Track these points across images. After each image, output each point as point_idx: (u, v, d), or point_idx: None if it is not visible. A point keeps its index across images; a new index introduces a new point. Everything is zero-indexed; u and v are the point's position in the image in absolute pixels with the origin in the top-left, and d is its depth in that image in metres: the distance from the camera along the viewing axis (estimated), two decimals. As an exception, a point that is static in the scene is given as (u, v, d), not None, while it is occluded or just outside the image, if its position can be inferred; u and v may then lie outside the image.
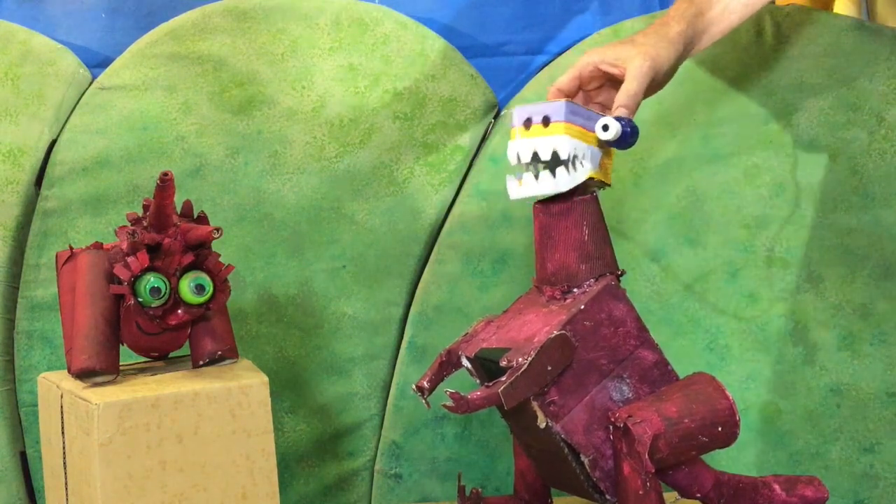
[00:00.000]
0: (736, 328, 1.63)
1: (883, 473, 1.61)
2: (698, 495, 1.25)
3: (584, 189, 1.25)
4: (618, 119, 1.22)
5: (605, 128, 1.21)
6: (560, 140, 1.20)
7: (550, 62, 1.72)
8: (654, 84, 1.30)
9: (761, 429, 1.62)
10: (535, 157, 1.21)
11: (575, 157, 1.21)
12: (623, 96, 1.25)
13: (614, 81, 1.29)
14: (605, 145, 1.24)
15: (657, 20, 1.34)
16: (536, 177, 1.22)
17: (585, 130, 1.22)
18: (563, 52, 1.72)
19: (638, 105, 1.25)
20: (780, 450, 1.62)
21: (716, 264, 1.64)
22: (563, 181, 1.21)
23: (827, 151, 1.63)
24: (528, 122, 1.22)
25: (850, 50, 1.64)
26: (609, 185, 1.27)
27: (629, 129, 1.22)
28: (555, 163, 1.21)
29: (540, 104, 1.22)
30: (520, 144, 1.22)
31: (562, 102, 1.20)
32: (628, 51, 1.27)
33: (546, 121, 1.21)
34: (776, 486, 1.27)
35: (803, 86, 1.64)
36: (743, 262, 1.64)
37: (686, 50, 1.33)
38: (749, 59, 1.66)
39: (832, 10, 1.75)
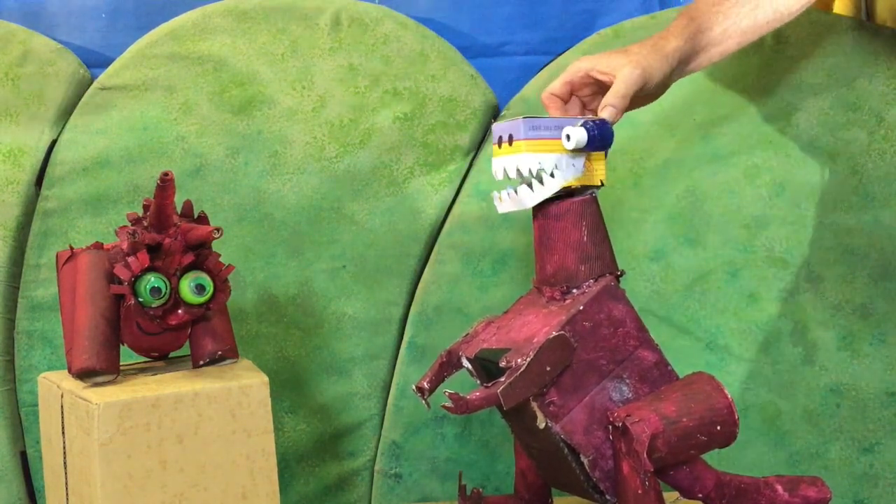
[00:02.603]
0: (736, 328, 1.63)
1: (883, 473, 1.61)
2: (700, 495, 1.25)
3: (582, 190, 1.25)
4: (584, 124, 1.22)
5: (568, 137, 1.22)
6: (521, 158, 1.22)
7: (550, 62, 1.72)
8: (644, 95, 1.31)
9: (761, 429, 1.62)
10: (506, 174, 1.25)
11: (541, 170, 1.22)
12: (610, 96, 1.26)
13: (606, 89, 1.29)
14: (590, 150, 1.24)
15: (656, 34, 1.34)
16: (515, 192, 1.25)
17: (551, 140, 1.23)
18: (563, 52, 1.72)
19: (625, 107, 1.26)
20: (780, 450, 1.62)
21: (716, 264, 1.64)
22: (527, 198, 1.24)
23: (827, 151, 1.63)
24: (500, 141, 1.25)
25: (850, 50, 1.64)
26: (603, 185, 1.27)
27: (595, 133, 1.22)
28: (521, 179, 1.24)
29: (507, 122, 1.24)
30: (496, 162, 1.26)
31: (519, 120, 1.22)
32: (620, 59, 1.28)
33: (511, 139, 1.23)
34: (778, 487, 1.27)
35: (803, 86, 1.64)
36: (743, 262, 1.64)
37: (681, 66, 1.34)
38: (749, 59, 1.66)
39: (832, 10, 1.75)
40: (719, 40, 1.36)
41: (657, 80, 1.29)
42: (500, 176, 1.25)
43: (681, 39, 1.32)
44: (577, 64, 1.30)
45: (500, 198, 1.27)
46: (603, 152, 1.26)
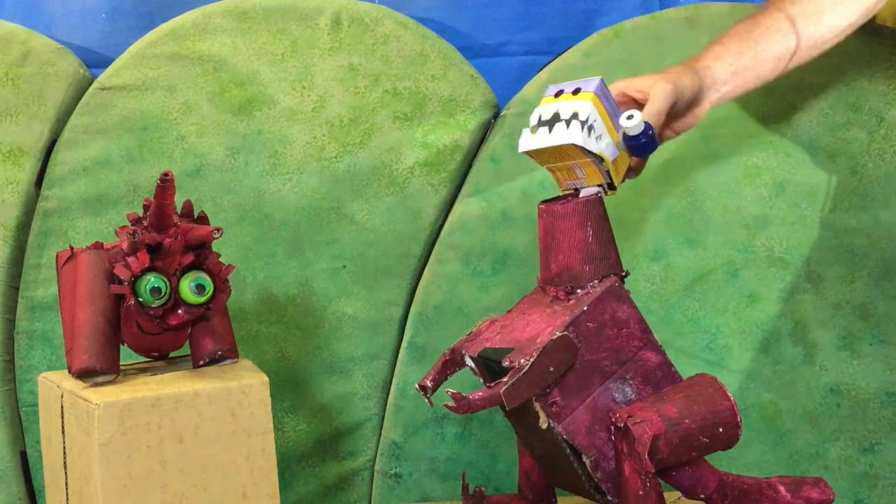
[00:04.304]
0: (736, 328, 1.63)
1: (883, 473, 1.61)
2: (702, 496, 1.25)
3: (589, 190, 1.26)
4: (647, 122, 1.25)
5: (630, 117, 1.23)
6: (583, 104, 1.21)
7: (550, 62, 1.72)
8: (683, 119, 1.35)
9: (761, 429, 1.62)
10: (556, 116, 1.22)
11: (592, 126, 1.21)
12: (646, 113, 1.28)
13: (640, 107, 1.32)
14: (622, 146, 1.25)
15: (691, 58, 1.37)
16: (550, 130, 1.22)
17: (606, 112, 1.23)
18: (563, 52, 1.72)
19: (660, 123, 1.29)
20: (780, 450, 1.62)
21: (716, 264, 1.64)
22: (576, 132, 1.21)
23: (827, 151, 1.63)
24: (559, 93, 1.24)
25: (850, 50, 1.64)
26: (615, 190, 1.27)
27: (651, 132, 1.24)
28: (575, 122, 1.22)
29: (577, 81, 1.24)
30: (544, 108, 1.24)
31: (598, 78, 1.23)
32: (653, 78, 1.32)
33: (577, 91, 1.23)
34: (781, 488, 1.27)
35: (803, 86, 1.64)
36: (743, 262, 1.64)
37: (716, 86, 1.36)
38: (749, 59, 1.66)
39: (859, 25, 1.75)
40: (751, 65, 1.39)
41: (689, 94, 1.32)
42: (547, 116, 1.22)
43: (712, 60, 1.37)
44: (613, 84, 1.33)
45: (533, 134, 1.23)
46: (626, 159, 1.27)
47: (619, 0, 1.75)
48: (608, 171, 1.24)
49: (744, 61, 1.38)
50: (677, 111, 1.33)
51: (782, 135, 1.64)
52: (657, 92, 1.29)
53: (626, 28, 1.69)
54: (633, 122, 1.23)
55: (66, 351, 1.30)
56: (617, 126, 1.24)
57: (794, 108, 1.64)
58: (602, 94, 1.23)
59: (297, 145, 1.68)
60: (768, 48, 1.39)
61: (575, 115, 1.21)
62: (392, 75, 1.70)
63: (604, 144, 1.23)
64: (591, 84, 1.23)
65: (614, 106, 1.25)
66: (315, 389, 1.69)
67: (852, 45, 1.64)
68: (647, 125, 1.24)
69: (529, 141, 1.24)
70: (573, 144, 1.21)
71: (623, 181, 1.30)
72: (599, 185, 1.26)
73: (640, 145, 1.24)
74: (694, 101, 1.34)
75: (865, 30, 1.65)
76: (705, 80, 1.35)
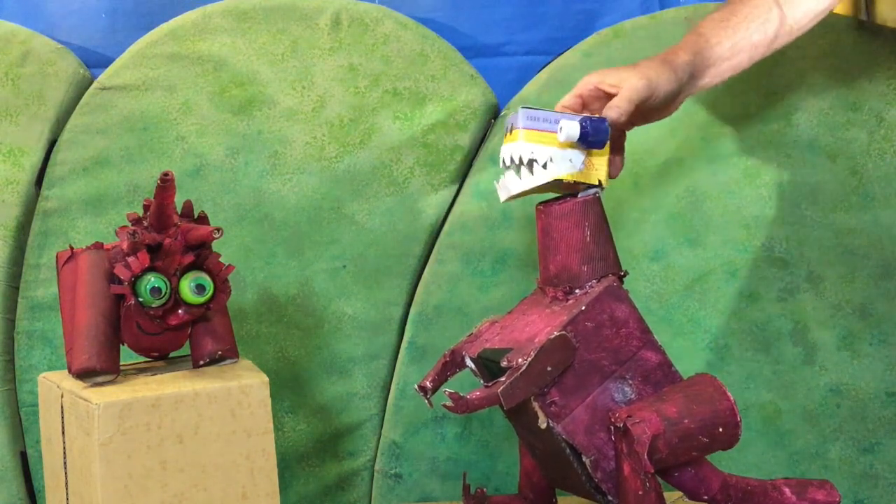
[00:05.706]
0: (736, 328, 1.63)
1: (883, 473, 1.61)
2: (705, 497, 1.25)
3: (585, 190, 1.25)
4: (581, 119, 1.23)
5: (560, 129, 1.23)
6: (516, 146, 1.24)
7: (550, 62, 1.72)
8: (657, 109, 1.32)
9: (761, 429, 1.62)
10: (503, 162, 1.27)
11: (532, 160, 1.23)
12: (615, 99, 1.27)
13: None
14: (584, 146, 1.24)
15: (668, 49, 1.35)
16: (498, 181, 1.28)
17: (548, 133, 1.24)
18: (563, 52, 1.72)
19: (629, 110, 1.26)
20: (780, 450, 1.62)
21: (716, 264, 1.64)
22: (512, 184, 1.26)
23: (827, 151, 1.63)
24: (509, 129, 1.27)
25: (850, 50, 1.64)
26: (602, 186, 1.27)
27: (588, 128, 1.22)
28: (516, 166, 1.25)
29: (515, 114, 1.25)
30: (502, 150, 1.28)
31: (521, 111, 1.24)
32: (628, 72, 1.30)
33: (512, 128, 1.25)
34: (786, 490, 1.26)
35: (803, 86, 1.64)
36: (743, 262, 1.64)
37: (693, 81, 1.34)
38: (749, 59, 1.65)
39: (832, 10, 1.75)
40: (728, 55, 1.37)
41: (664, 92, 1.30)
42: (501, 165, 1.28)
43: (689, 54, 1.34)
44: (587, 78, 1.32)
45: (497, 186, 1.29)
46: (605, 152, 1.26)
47: (619, 0, 1.75)
48: (575, 182, 1.25)
49: (721, 52, 1.36)
50: (651, 106, 1.31)
51: (782, 135, 1.64)
52: (629, 86, 1.27)
53: (626, 28, 1.69)
54: (563, 134, 1.22)
55: (66, 351, 1.30)
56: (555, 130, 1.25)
57: (794, 108, 1.64)
58: (532, 121, 1.24)
59: (297, 145, 1.68)
60: (746, 37, 1.37)
61: (513, 160, 1.25)
62: (392, 75, 1.70)
63: (559, 165, 1.24)
64: (517, 119, 1.24)
65: (548, 115, 1.25)
66: (315, 389, 1.69)
67: (852, 45, 1.64)
68: (585, 123, 1.22)
69: (499, 193, 1.29)
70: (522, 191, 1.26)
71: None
72: (593, 186, 1.26)
73: (588, 143, 1.24)
74: (669, 95, 1.33)
75: (865, 30, 1.66)
76: (681, 75, 1.32)
